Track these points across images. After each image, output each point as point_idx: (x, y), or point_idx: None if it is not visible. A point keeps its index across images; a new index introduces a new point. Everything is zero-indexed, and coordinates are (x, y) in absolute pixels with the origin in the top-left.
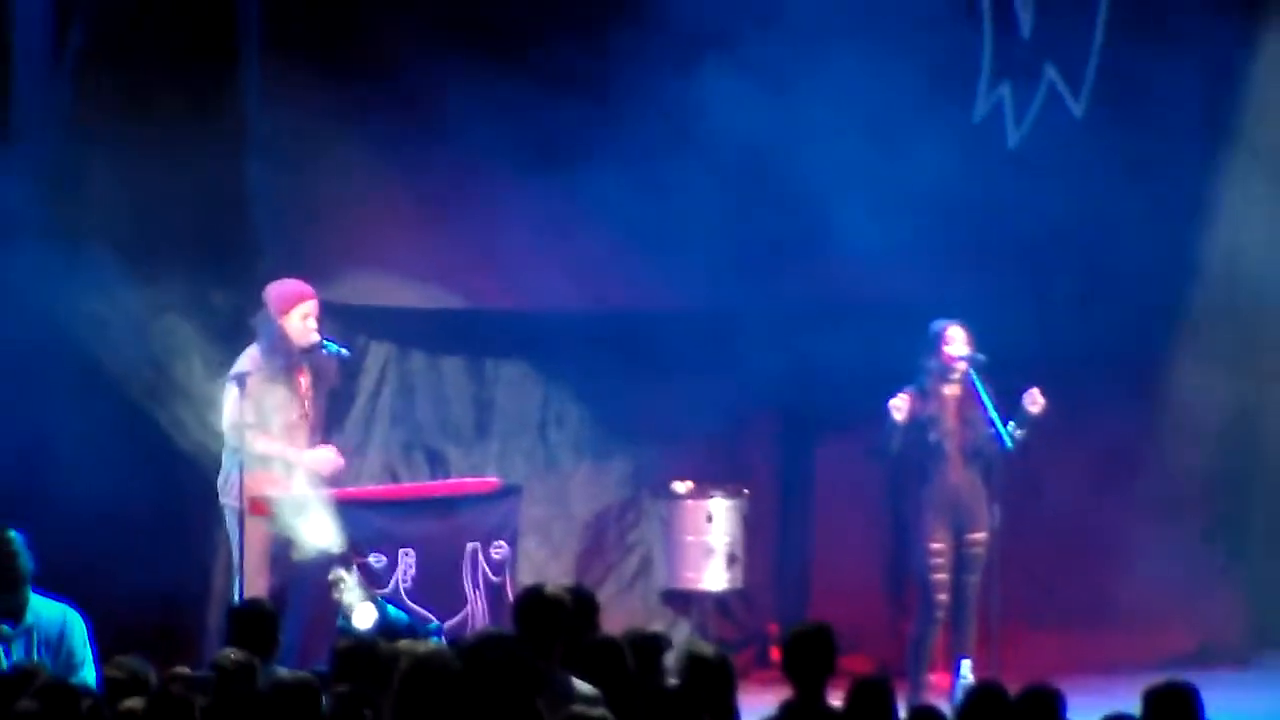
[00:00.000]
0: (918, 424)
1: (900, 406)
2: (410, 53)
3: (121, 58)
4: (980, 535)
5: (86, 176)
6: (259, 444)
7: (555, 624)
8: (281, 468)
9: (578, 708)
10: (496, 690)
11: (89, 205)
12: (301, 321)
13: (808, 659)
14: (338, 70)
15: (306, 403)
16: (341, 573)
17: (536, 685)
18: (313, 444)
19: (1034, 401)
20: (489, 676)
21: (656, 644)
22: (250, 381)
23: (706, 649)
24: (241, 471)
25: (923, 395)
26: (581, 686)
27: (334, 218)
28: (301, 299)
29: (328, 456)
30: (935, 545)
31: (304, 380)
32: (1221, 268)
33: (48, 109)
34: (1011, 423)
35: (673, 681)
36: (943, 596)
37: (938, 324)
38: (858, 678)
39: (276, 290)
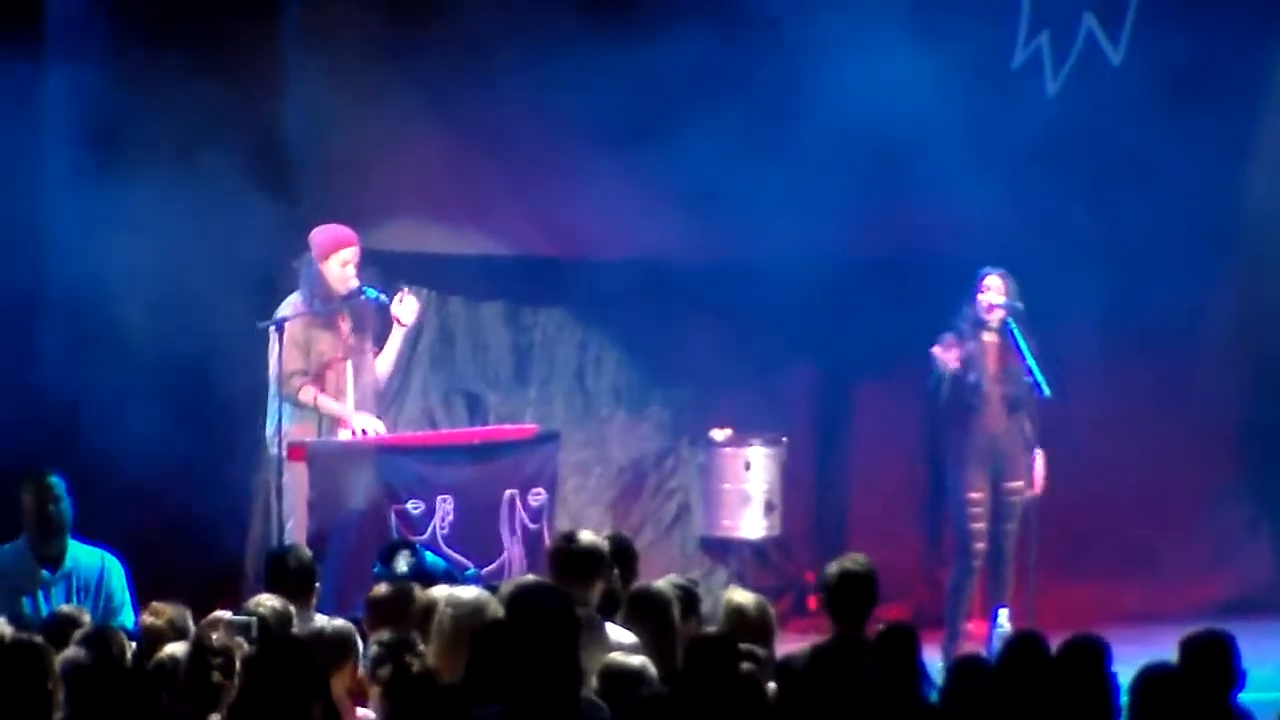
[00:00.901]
0: (957, 369)
1: (946, 356)
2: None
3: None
4: (1018, 484)
5: (123, 121)
6: (306, 394)
7: (593, 571)
8: (325, 421)
9: (616, 655)
10: (536, 639)
11: (125, 148)
12: (341, 268)
13: (851, 597)
14: (377, 13)
15: (349, 348)
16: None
17: (574, 633)
18: (359, 391)
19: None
20: (528, 625)
21: (694, 592)
22: (293, 327)
23: (747, 597)
24: (281, 419)
25: (960, 340)
26: (620, 634)
27: (374, 163)
28: (343, 245)
29: (376, 425)
30: (973, 494)
31: (344, 325)
32: (1263, 214)
33: (85, 53)
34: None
35: (711, 629)
36: (980, 545)
37: (979, 272)
38: (884, 624)
39: (321, 234)
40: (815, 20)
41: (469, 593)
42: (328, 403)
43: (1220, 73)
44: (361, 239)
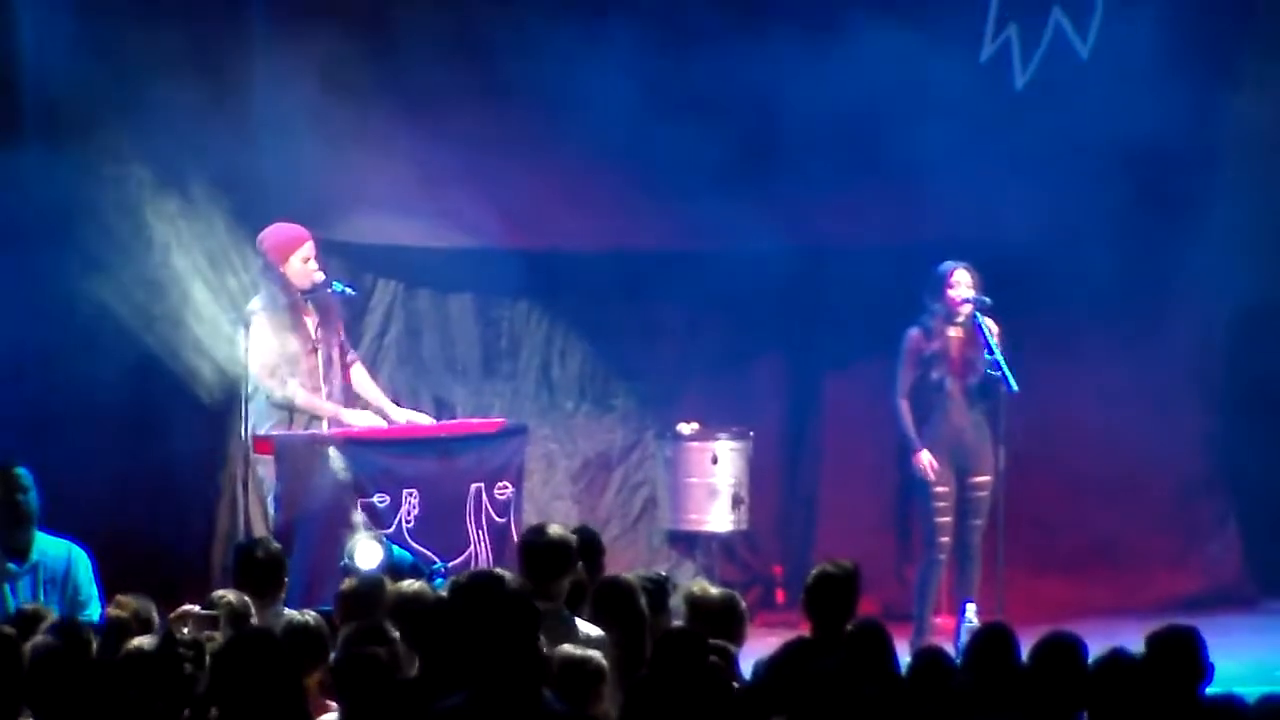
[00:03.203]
0: (922, 363)
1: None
2: None
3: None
4: (985, 478)
5: (94, 116)
6: (300, 396)
7: (561, 565)
8: (300, 417)
9: (568, 648)
10: (493, 629)
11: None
12: (303, 264)
13: (830, 599)
14: (343, 10)
15: (316, 343)
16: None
17: (534, 624)
18: (329, 384)
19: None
20: (484, 615)
21: (664, 586)
22: (263, 326)
23: (709, 591)
24: (255, 416)
25: (927, 336)
26: (587, 628)
27: (341, 155)
28: (299, 242)
29: (374, 421)
30: (940, 488)
31: (310, 320)
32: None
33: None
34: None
35: (678, 623)
36: (946, 539)
37: (943, 266)
38: (855, 621)
39: (273, 237)
40: (785, 14)
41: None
42: (320, 404)
43: (1188, 66)
44: (329, 231)
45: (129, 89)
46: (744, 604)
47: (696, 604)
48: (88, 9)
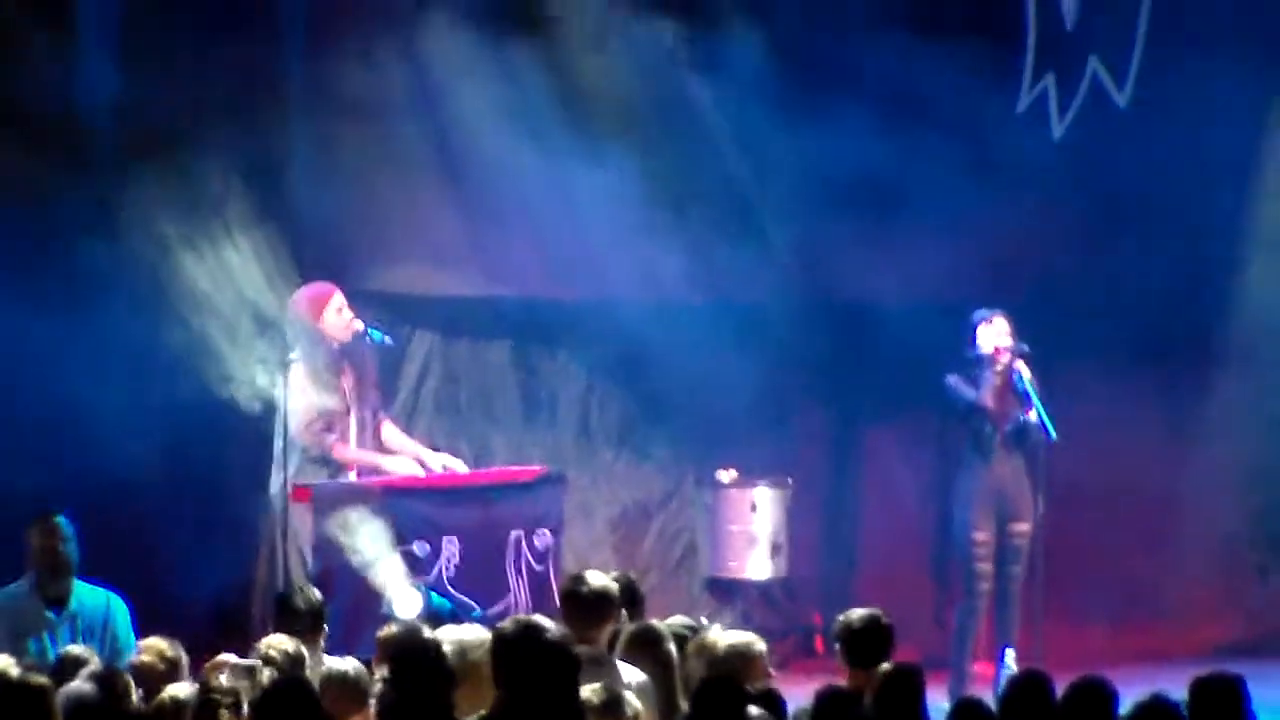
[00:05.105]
0: (964, 414)
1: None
2: (451, 40)
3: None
4: (1025, 526)
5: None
6: (340, 451)
7: (603, 613)
8: (334, 469)
9: (588, 690)
10: (535, 677)
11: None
12: (337, 315)
13: (868, 649)
14: (378, 59)
15: (351, 400)
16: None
17: (574, 672)
18: (361, 443)
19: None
20: (526, 663)
21: (691, 632)
22: (301, 379)
23: (721, 638)
24: (290, 466)
25: (966, 384)
26: (630, 673)
27: (376, 206)
28: (329, 294)
29: (413, 469)
30: (979, 535)
31: (346, 382)
32: (1271, 252)
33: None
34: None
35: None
36: (985, 586)
37: (979, 314)
38: (890, 665)
39: (304, 295)
40: (815, 58)
41: (471, 632)
42: (358, 454)
43: (1225, 113)
44: (365, 282)
45: (164, 133)
46: (759, 648)
47: (705, 652)
48: (131, 51)
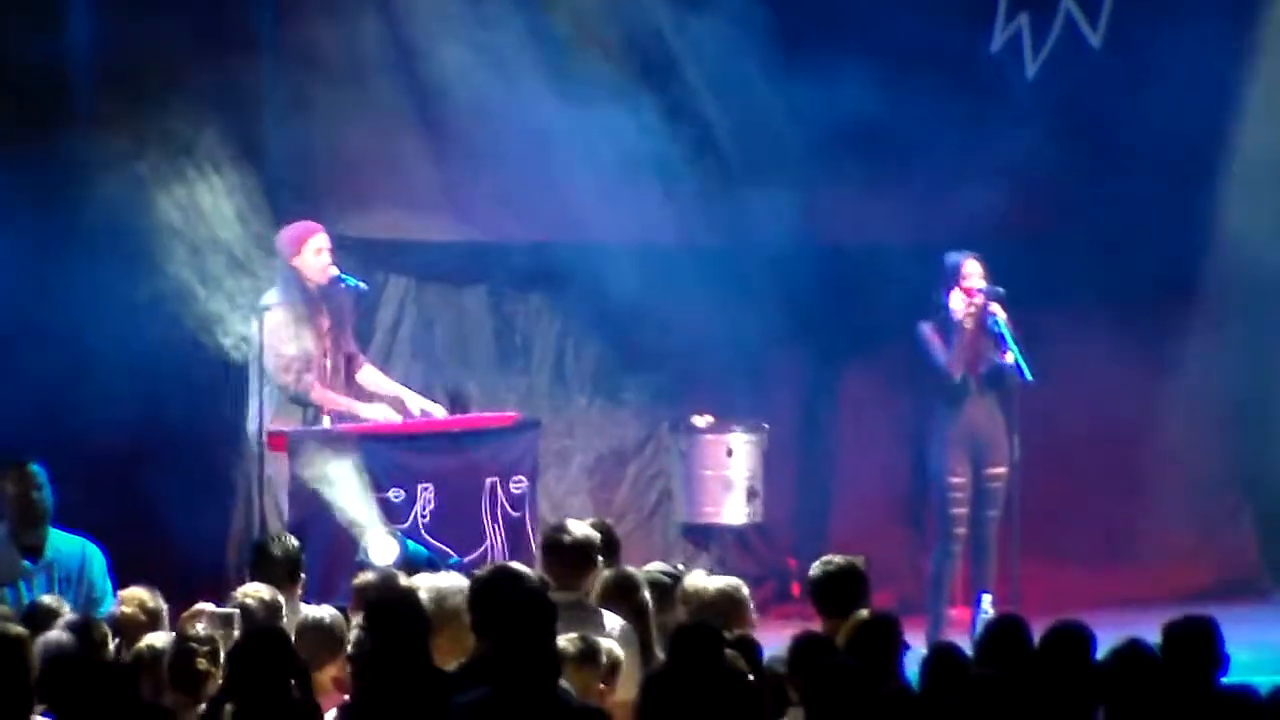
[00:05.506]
0: (931, 371)
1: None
2: None
3: None
4: (1000, 469)
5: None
6: (318, 393)
7: (585, 562)
8: (309, 412)
9: (564, 640)
10: (512, 625)
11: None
12: (315, 256)
13: (842, 597)
14: (353, 2)
15: (326, 343)
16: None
17: (551, 620)
18: (334, 386)
19: None
20: (503, 611)
21: (679, 580)
22: (279, 320)
23: (708, 582)
24: (265, 408)
25: (939, 328)
26: (611, 620)
27: (352, 152)
28: (310, 232)
29: (388, 415)
30: (955, 479)
31: (324, 323)
32: (1245, 195)
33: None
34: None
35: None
36: (961, 530)
37: (953, 257)
38: (866, 613)
39: (287, 233)
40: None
41: (448, 580)
42: (336, 398)
43: (1198, 53)
44: (340, 227)
45: (137, 78)
46: (745, 592)
47: (692, 598)
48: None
